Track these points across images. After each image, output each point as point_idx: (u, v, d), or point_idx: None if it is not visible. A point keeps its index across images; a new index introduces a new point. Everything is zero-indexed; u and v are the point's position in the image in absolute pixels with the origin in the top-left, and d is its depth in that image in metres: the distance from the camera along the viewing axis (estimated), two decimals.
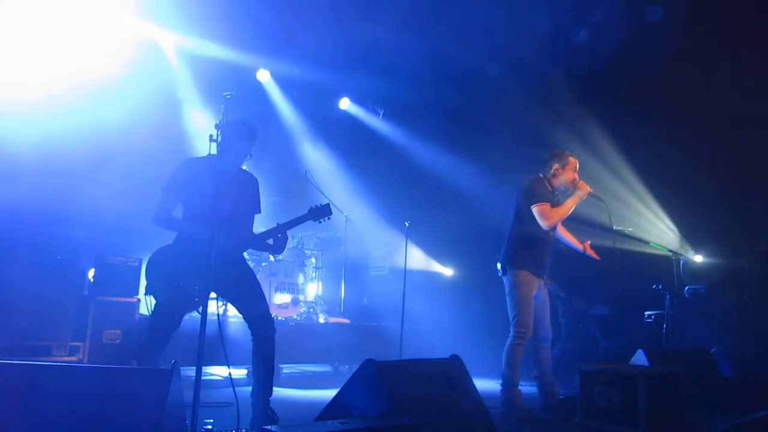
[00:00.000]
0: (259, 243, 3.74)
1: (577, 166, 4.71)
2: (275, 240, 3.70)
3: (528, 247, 4.58)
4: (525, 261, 4.56)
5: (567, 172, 4.65)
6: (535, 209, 4.50)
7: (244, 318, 3.64)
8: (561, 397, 4.46)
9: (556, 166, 4.67)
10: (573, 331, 6.32)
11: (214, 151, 2.88)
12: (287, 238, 3.76)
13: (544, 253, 4.65)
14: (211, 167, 3.37)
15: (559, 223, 4.68)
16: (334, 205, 6.25)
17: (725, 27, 6.24)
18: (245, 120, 3.72)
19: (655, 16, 6.66)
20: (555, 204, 4.57)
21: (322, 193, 7.00)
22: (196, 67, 7.40)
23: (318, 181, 7.31)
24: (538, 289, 4.61)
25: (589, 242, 4.92)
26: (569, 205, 4.51)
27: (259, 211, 3.86)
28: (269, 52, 7.64)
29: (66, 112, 6.46)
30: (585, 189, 4.52)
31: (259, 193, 3.86)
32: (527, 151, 7.89)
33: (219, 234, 2.81)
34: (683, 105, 6.78)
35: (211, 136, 2.89)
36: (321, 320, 7.12)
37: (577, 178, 4.63)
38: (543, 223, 4.47)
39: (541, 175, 4.73)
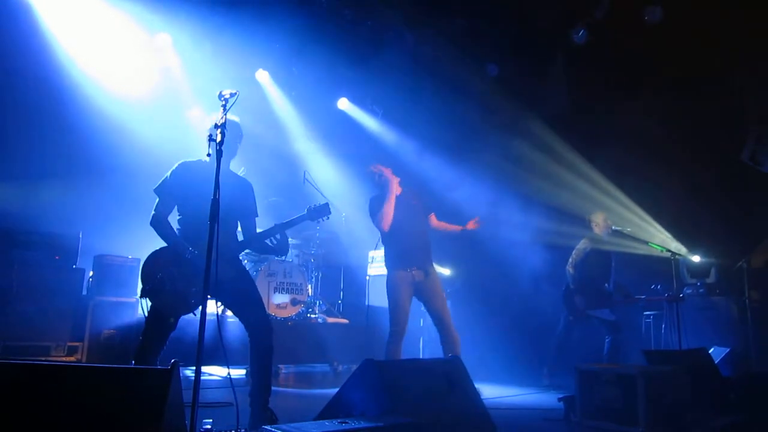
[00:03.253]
0: (259, 244, 3.73)
1: (381, 168, 5.03)
2: (277, 241, 3.69)
3: (390, 245, 4.88)
4: (392, 260, 4.84)
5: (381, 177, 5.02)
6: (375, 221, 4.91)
7: (240, 321, 3.64)
8: (560, 396, 4.45)
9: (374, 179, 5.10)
10: (565, 322, 6.34)
11: (212, 150, 2.86)
12: (288, 238, 3.75)
13: (407, 244, 4.83)
14: (205, 169, 3.39)
15: (390, 218, 4.86)
16: (333, 205, 6.25)
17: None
18: (233, 119, 3.73)
19: (655, 16, 6.67)
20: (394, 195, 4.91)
21: (321, 194, 7.00)
22: (195, 67, 7.41)
23: (316, 182, 7.31)
24: (416, 284, 4.75)
25: (475, 219, 5.15)
26: (387, 202, 4.83)
27: (257, 215, 3.85)
28: (268, 52, 7.63)
29: None
30: (385, 175, 4.93)
31: (254, 196, 3.85)
32: (522, 153, 7.94)
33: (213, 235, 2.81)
34: (678, 106, 6.81)
35: (210, 136, 2.87)
36: (319, 320, 7.12)
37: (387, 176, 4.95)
38: (381, 230, 4.85)
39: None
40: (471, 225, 5.10)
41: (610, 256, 6.37)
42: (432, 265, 4.93)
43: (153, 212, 3.54)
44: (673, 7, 6.61)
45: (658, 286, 6.68)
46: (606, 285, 6.31)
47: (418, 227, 4.96)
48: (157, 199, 3.56)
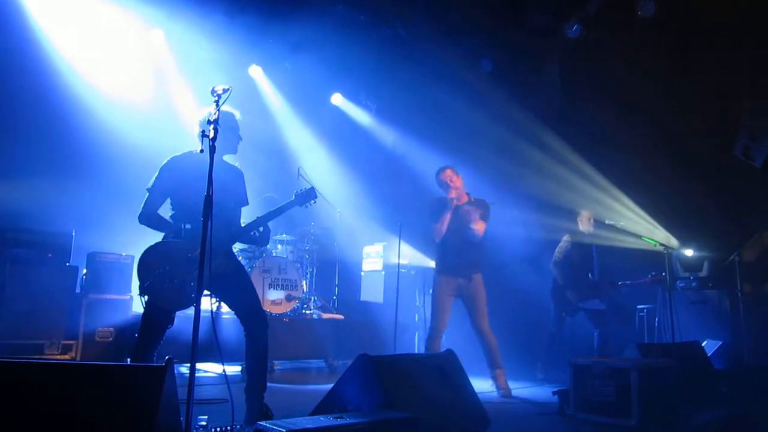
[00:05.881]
0: (247, 235, 3.73)
1: (454, 177, 5.40)
2: (258, 233, 3.69)
3: (438, 252, 5.45)
4: (439, 265, 5.43)
5: (445, 189, 5.41)
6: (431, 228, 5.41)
7: (236, 314, 3.64)
8: (554, 390, 4.48)
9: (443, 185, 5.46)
10: (557, 318, 6.45)
11: (205, 147, 2.85)
12: (270, 231, 3.76)
13: (453, 253, 5.30)
14: (196, 162, 3.38)
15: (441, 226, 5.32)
16: (326, 200, 6.25)
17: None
18: (230, 111, 3.71)
19: (648, 11, 6.68)
20: (452, 210, 5.32)
21: (314, 187, 6.97)
22: (188, 63, 7.37)
23: (311, 178, 7.28)
24: (458, 288, 5.28)
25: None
26: (443, 220, 5.28)
27: (247, 203, 3.84)
28: (261, 47, 7.61)
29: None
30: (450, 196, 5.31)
31: (245, 185, 3.85)
32: (515, 148, 7.96)
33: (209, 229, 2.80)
34: (671, 100, 6.83)
35: (203, 132, 2.85)
36: (314, 316, 7.12)
37: (450, 191, 5.33)
38: (435, 240, 5.41)
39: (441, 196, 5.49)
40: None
41: (592, 247, 6.57)
42: (478, 272, 5.34)
43: (141, 209, 3.52)
44: (666, 2, 6.62)
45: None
46: (590, 276, 6.53)
47: (470, 237, 5.30)
48: (147, 196, 3.54)
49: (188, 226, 3.46)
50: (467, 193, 5.51)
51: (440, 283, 5.33)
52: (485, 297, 5.34)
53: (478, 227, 5.28)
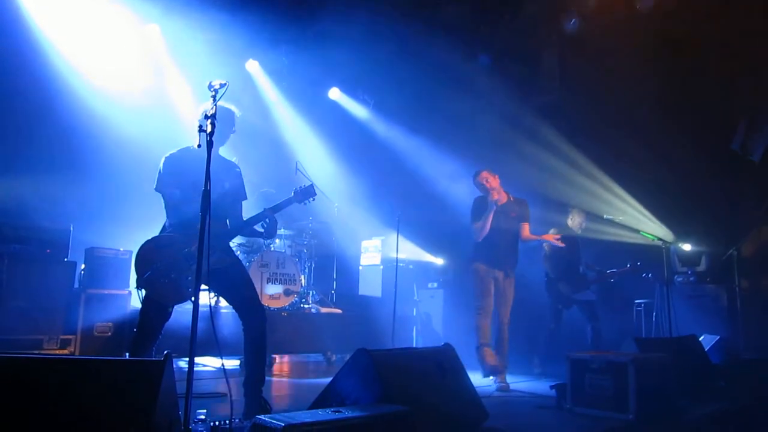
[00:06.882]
0: (249, 229, 3.73)
1: (490, 178, 5.43)
2: (266, 225, 3.70)
3: (479, 247, 5.49)
4: (479, 256, 5.47)
5: (487, 191, 5.42)
6: (472, 228, 5.50)
7: (234, 308, 3.64)
8: (551, 384, 4.49)
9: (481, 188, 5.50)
10: (554, 313, 6.48)
11: (202, 141, 2.84)
12: (277, 222, 3.76)
13: (495, 250, 5.42)
14: (193, 158, 3.38)
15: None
16: (324, 195, 6.25)
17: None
18: (225, 106, 3.71)
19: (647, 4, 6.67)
20: (494, 210, 5.34)
21: (313, 184, 6.96)
22: (184, 58, 7.35)
23: (308, 172, 7.28)
24: (495, 279, 5.42)
25: (552, 232, 5.68)
26: (486, 220, 5.34)
27: (245, 198, 3.84)
28: (258, 42, 7.58)
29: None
30: (493, 199, 5.33)
31: (242, 179, 3.84)
32: (514, 142, 7.96)
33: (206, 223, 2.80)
34: (669, 95, 6.83)
35: (200, 126, 2.85)
36: (313, 310, 7.13)
37: (491, 193, 5.35)
38: (475, 239, 5.43)
39: (482, 195, 5.55)
40: (549, 237, 5.69)
41: (577, 240, 6.61)
42: (513, 269, 5.52)
43: (168, 214, 3.57)
44: None
45: (649, 275, 6.74)
46: (580, 268, 6.59)
47: (509, 234, 5.51)
48: (164, 199, 3.57)
49: (187, 222, 3.45)
50: (507, 192, 5.59)
51: (480, 269, 5.44)
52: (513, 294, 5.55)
53: (525, 231, 5.54)
